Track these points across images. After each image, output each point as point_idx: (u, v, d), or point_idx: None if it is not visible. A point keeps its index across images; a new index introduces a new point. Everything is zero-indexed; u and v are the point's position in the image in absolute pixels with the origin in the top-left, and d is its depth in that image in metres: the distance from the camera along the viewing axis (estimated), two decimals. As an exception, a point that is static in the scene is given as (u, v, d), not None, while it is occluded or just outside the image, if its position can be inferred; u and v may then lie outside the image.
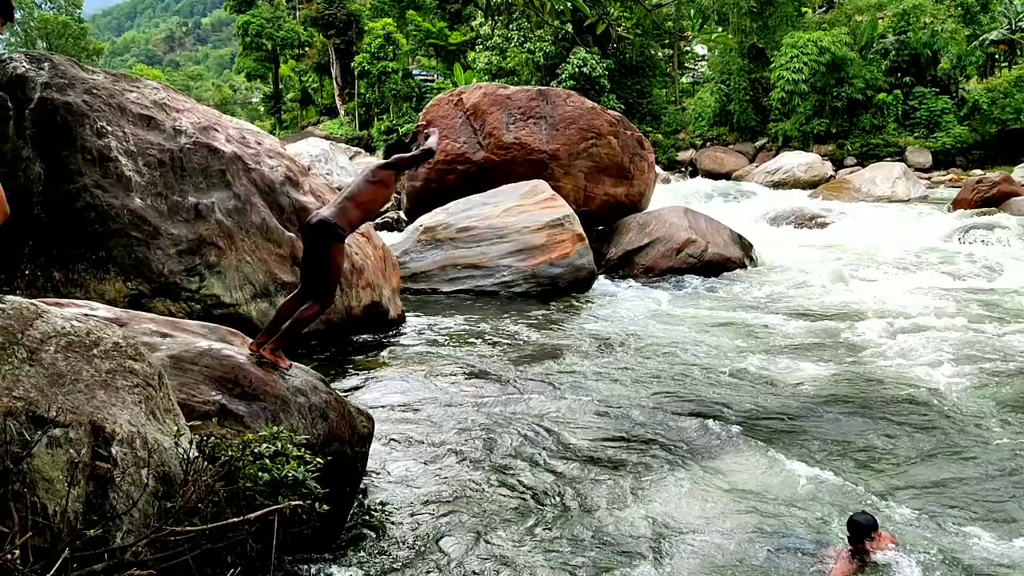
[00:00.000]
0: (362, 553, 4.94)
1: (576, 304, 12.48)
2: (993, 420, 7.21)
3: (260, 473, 4.03)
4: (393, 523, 5.32)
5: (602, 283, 14.10)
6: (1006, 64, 41.89)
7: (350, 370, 8.84)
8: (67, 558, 2.99)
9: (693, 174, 39.04)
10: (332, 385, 5.77)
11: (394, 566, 4.80)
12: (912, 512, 5.46)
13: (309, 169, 11.69)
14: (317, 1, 61.56)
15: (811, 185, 30.15)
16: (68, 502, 3.17)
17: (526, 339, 10.23)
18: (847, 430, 6.99)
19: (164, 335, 5.29)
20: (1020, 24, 40.65)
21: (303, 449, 4.26)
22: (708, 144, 42.17)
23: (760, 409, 7.49)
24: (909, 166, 31.23)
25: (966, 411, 7.42)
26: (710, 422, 7.08)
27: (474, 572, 4.75)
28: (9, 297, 3.72)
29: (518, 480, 5.99)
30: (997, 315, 11.21)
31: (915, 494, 5.78)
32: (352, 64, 56.08)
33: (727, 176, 36.66)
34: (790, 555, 4.90)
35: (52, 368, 3.45)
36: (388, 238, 13.97)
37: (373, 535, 5.16)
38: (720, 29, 44.62)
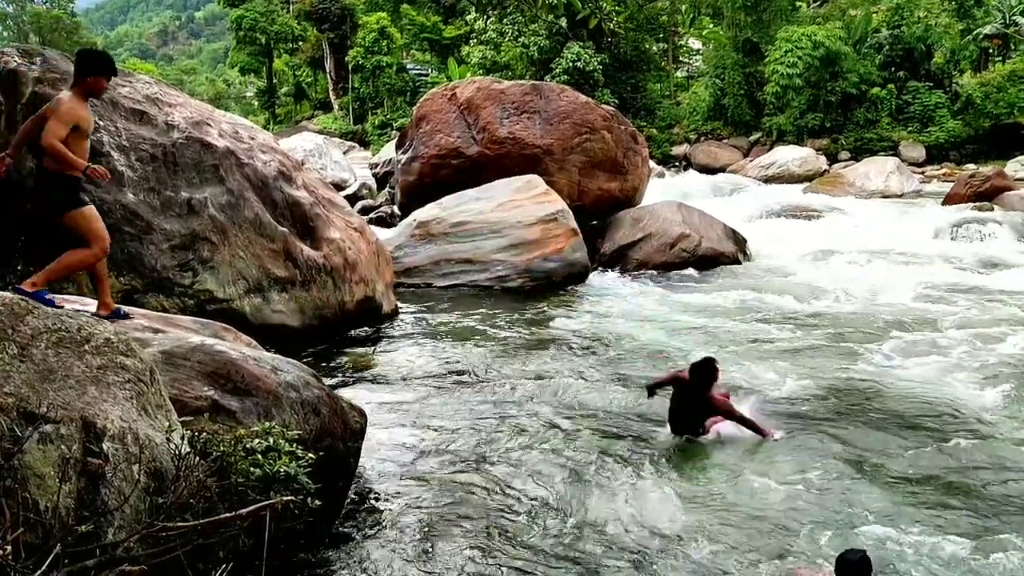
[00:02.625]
0: (354, 548, 4.96)
1: (570, 299, 12.48)
2: (996, 426, 6.98)
3: (252, 469, 4.04)
4: (385, 518, 5.33)
5: (596, 278, 14.10)
6: (1000, 58, 41.94)
7: (343, 365, 8.85)
8: (59, 554, 2.99)
9: (687, 169, 39.04)
10: (325, 380, 5.77)
11: (386, 561, 4.82)
12: (913, 529, 5.19)
13: (303, 164, 11.68)
14: (311, -5, 61.44)
15: (805, 179, 30.16)
16: (59, 498, 3.17)
17: (519, 335, 10.23)
18: (841, 435, 6.76)
19: (156, 331, 5.30)
20: (1014, 18, 40.70)
21: (295, 445, 4.27)
22: (702, 139, 42.15)
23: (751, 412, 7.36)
24: (903, 160, 31.26)
25: (970, 417, 7.15)
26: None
27: (465, 567, 4.76)
28: (0, 293, 3.72)
29: (509, 476, 6.00)
30: (990, 313, 11.17)
31: (917, 510, 5.49)
32: (346, 58, 55.98)
33: (721, 171, 36.65)
34: (777, 568, 4.88)
35: (43, 364, 3.45)
36: (382, 233, 13.95)
37: (365, 530, 5.17)
38: (712, 24, 44.66)
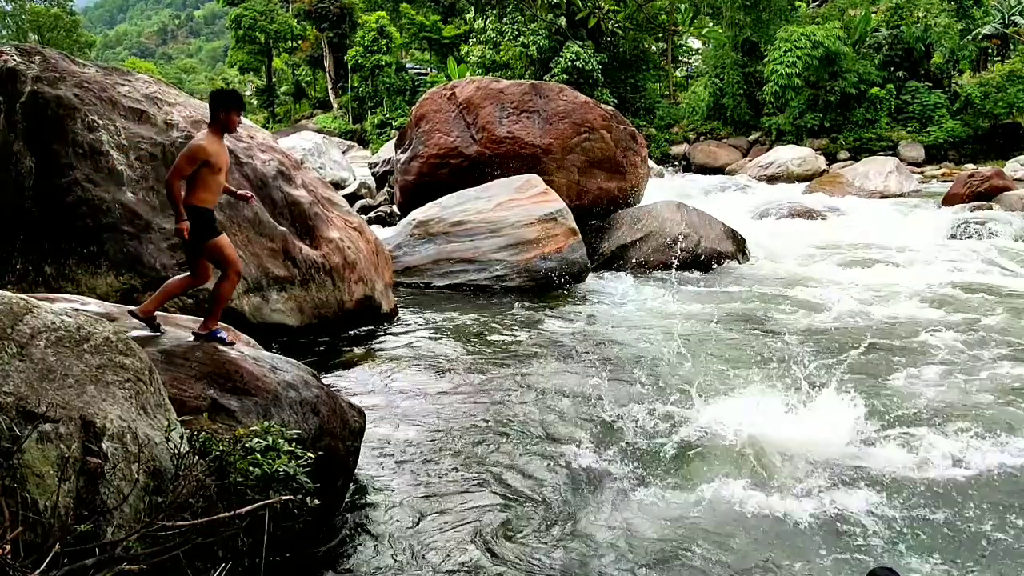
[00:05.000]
0: (353, 547, 4.96)
1: (569, 299, 12.49)
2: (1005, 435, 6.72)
3: (251, 468, 4.03)
4: (384, 517, 5.33)
5: (595, 277, 14.10)
6: (999, 58, 42.01)
7: (342, 365, 8.84)
8: (58, 553, 2.99)
9: (687, 168, 39.08)
10: (324, 380, 5.77)
11: (384, 560, 4.82)
12: (938, 554, 4.95)
13: (302, 163, 11.67)
14: (310, -6, 61.42)
15: (804, 179, 30.17)
16: (58, 497, 3.17)
17: (518, 335, 10.23)
18: (854, 451, 6.38)
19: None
20: (1013, 18, 40.75)
21: (294, 444, 4.27)
22: (702, 138, 42.17)
23: (747, 418, 6.94)
24: (901, 160, 31.25)
25: (996, 431, 6.77)
26: (704, 429, 6.81)
27: (462, 566, 4.76)
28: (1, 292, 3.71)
29: (507, 477, 6.00)
30: (994, 316, 11.04)
31: (940, 532, 5.21)
32: (345, 57, 55.99)
33: (720, 170, 36.69)
34: None
35: (42, 363, 3.45)
36: (381, 232, 13.96)
37: (364, 529, 5.17)
38: (711, 23, 44.69)
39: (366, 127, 54.61)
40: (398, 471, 6.05)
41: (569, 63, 40.20)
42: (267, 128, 40.44)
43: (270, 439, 4.20)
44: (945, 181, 28.57)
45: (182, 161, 5.13)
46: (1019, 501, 5.65)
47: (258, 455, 4.10)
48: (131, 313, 5.24)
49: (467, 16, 53.12)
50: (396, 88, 54.02)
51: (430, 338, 10.03)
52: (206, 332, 5.31)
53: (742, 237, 16.03)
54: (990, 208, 19.74)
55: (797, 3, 42.77)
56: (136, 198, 8.18)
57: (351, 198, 21.90)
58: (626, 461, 6.27)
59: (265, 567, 3.86)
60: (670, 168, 37.64)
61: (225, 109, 5.31)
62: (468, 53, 46.57)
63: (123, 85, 8.79)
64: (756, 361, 8.84)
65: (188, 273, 5.51)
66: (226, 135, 5.44)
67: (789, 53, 36.38)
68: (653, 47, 47.96)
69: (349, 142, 49.69)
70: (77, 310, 4.21)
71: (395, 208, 19.09)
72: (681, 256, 14.83)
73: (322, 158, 24.87)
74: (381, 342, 9.89)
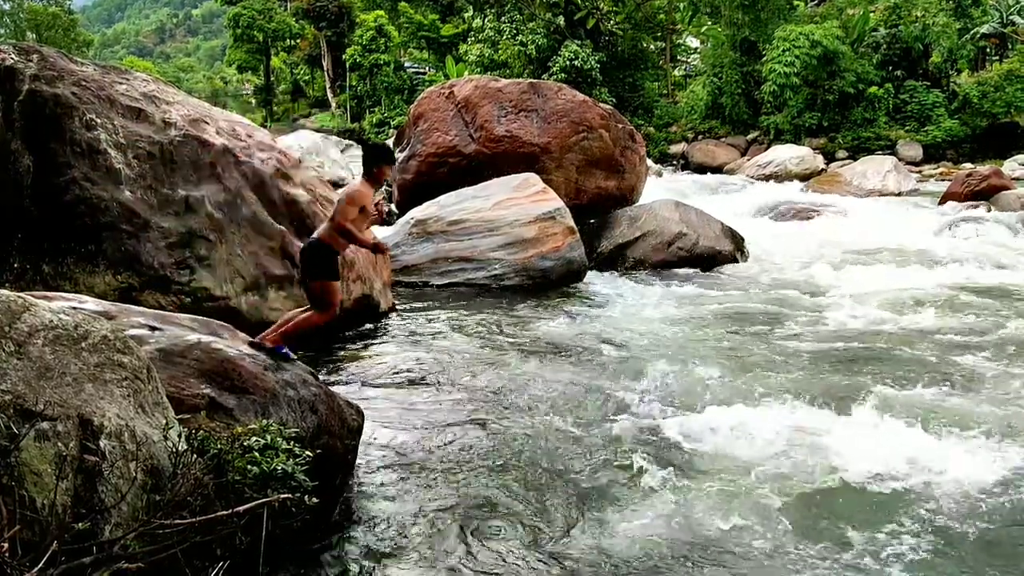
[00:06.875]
0: (351, 546, 4.95)
1: (567, 298, 12.47)
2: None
3: (249, 466, 4.03)
4: (382, 515, 5.33)
5: (593, 276, 14.09)
6: (997, 58, 42.08)
7: (340, 363, 8.84)
8: (55, 551, 2.99)
9: (685, 167, 39.13)
10: (322, 378, 5.77)
11: (383, 558, 4.82)
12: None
13: (300, 162, 11.66)
14: (309, -7, 61.39)
15: (802, 178, 30.19)
16: (56, 495, 3.17)
17: (516, 334, 10.23)
18: (858, 465, 6.04)
19: (153, 328, 5.29)
20: (1011, 18, 40.80)
21: (292, 442, 4.27)
22: (700, 137, 42.19)
23: (750, 424, 6.83)
24: (900, 159, 31.29)
25: (992, 438, 6.52)
26: (703, 434, 6.71)
27: (460, 566, 4.76)
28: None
29: (506, 477, 5.99)
30: (995, 318, 10.99)
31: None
32: (344, 56, 55.98)
33: (719, 169, 36.72)
34: None
35: (40, 361, 3.45)
36: (379, 231, 13.94)
37: (362, 527, 5.17)
38: (711, 22, 44.73)
39: (364, 126, 54.55)
40: (396, 469, 6.05)
41: (567, 62, 40.21)
42: (265, 127, 40.40)
43: (268, 437, 4.20)
44: (943, 180, 28.60)
45: (347, 206, 5.58)
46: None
47: (256, 453, 4.10)
48: (256, 343, 5.49)
49: (465, 15, 53.10)
50: (394, 87, 54.01)
51: (428, 337, 10.02)
52: (271, 347, 5.42)
53: (740, 236, 16.03)
54: (988, 208, 19.75)
55: (795, 2, 42.81)
56: (134, 197, 8.17)
57: (349, 197, 21.81)
58: (625, 466, 6.24)
59: (263, 565, 3.86)
60: (668, 167, 37.70)
61: (380, 163, 5.79)
62: (466, 52, 46.58)
63: (121, 84, 8.78)
64: (757, 365, 8.83)
65: (320, 314, 5.72)
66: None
67: (787, 52, 36.41)
68: (651, 46, 48.02)
69: (347, 141, 49.62)
70: (75, 308, 4.21)
71: (393, 207, 19.09)
72: (679, 255, 14.84)
73: (320, 157, 24.88)
74: (379, 341, 9.89)
